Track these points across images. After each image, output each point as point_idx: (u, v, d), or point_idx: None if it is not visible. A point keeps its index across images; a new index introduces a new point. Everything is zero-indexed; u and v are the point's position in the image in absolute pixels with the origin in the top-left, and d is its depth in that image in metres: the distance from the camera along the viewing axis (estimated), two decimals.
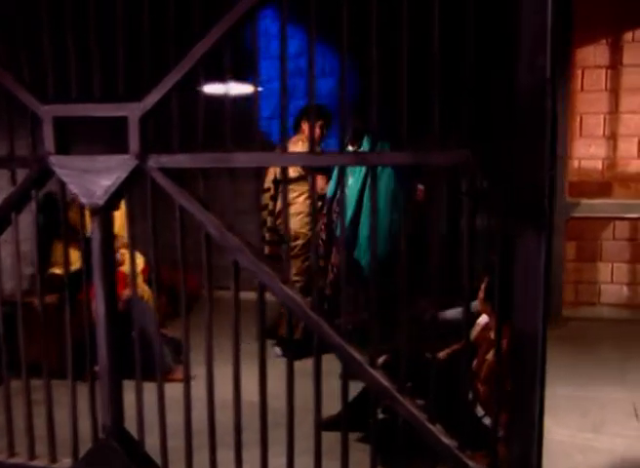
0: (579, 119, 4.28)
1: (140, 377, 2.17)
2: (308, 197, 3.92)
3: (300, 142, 3.73)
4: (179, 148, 2.04)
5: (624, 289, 4.41)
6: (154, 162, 2.06)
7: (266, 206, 3.93)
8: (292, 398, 2.01)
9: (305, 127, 3.83)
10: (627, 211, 4.30)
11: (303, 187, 3.81)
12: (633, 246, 4.36)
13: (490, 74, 1.89)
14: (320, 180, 3.72)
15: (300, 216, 3.85)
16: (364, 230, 3.66)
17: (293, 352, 2.03)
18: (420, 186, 3.76)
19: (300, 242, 3.88)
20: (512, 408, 1.85)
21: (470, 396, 2.67)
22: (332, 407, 2.13)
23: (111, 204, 2.14)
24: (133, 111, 2.05)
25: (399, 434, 1.96)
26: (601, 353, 3.77)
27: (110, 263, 2.19)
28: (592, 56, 4.24)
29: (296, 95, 3.85)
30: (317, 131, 3.82)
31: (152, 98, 2.04)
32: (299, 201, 3.85)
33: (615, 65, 4.23)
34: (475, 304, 2.79)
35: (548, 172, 1.81)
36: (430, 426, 1.93)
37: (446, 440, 1.94)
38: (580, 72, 4.26)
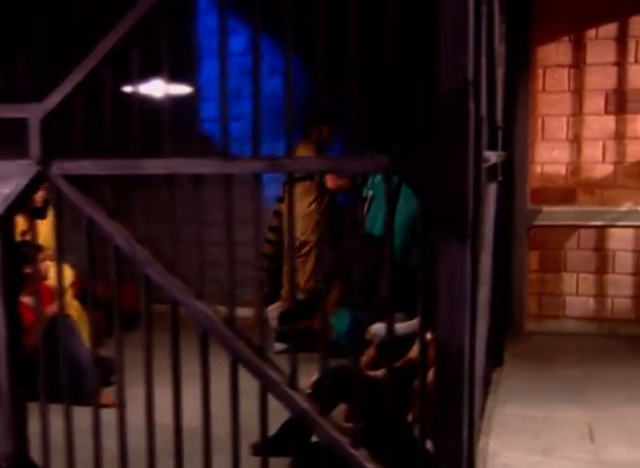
0: (540, 121, 4.36)
1: (44, 400, 2.16)
2: (314, 200, 4.14)
3: (304, 146, 3.93)
4: (83, 153, 2.04)
5: (590, 301, 4.49)
6: (58, 168, 2.06)
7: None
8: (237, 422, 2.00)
9: (314, 131, 4.06)
10: (593, 218, 4.39)
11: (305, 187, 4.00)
12: (599, 256, 4.45)
13: (413, 76, 1.92)
14: (330, 179, 3.95)
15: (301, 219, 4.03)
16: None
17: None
18: None
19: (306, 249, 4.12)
20: (437, 431, 1.88)
21: (410, 417, 2.70)
22: (273, 427, 2.15)
23: (12, 213, 2.14)
24: (33, 112, 2.05)
25: (322, 459, 1.98)
26: (561, 370, 3.84)
27: (11, 277, 2.17)
28: (554, 54, 4.33)
29: (242, 95, 3.89)
30: (325, 134, 4.15)
31: (54, 99, 2.04)
32: (302, 203, 3.99)
33: (578, 64, 4.33)
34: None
35: (474, 179, 1.85)
36: (353, 451, 1.95)
37: (370, 465, 1.96)
38: (541, 72, 4.35)
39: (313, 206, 4.04)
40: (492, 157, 2.57)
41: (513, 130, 4.14)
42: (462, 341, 1.83)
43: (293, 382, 2.00)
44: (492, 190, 2.68)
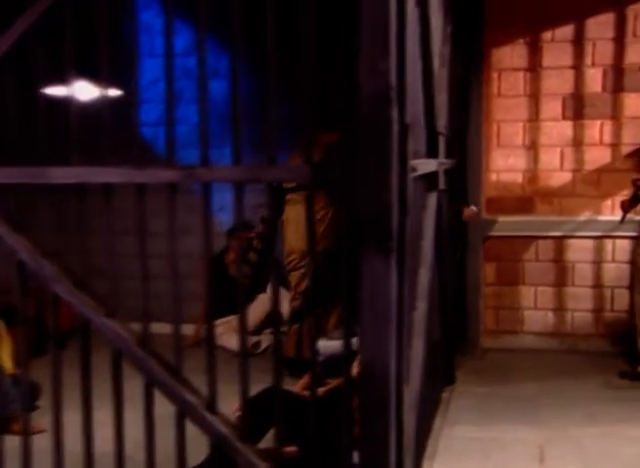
0: (495, 127, 4.43)
1: None
2: (321, 208, 4.15)
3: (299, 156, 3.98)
4: None
5: (550, 315, 4.57)
6: None
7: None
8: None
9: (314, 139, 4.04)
10: (551, 229, 4.47)
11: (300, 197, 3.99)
12: (558, 267, 4.52)
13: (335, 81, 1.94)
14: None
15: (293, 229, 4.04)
16: None
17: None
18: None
19: (294, 256, 4.06)
20: (362, 456, 1.89)
21: (349, 439, 2.70)
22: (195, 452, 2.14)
23: None
24: None
25: None
26: (516, 388, 3.89)
27: None
28: (509, 57, 4.41)
29: (183, 98, 3.87)
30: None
31: None
32: (293, 212, 4.01)
33: (534, 68, 4.41)
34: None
35: (399, 189, 1.87)
36: None
37: None
38: (496, 75, 4.43)
39: (320, 215, 4.06)
40: (429, 165, 2.60)
41: (466, 136, 4.20)
42: (387, 360, 1.85)
43: (211, 405, 1.99)
44: (431, 200, 2.71)
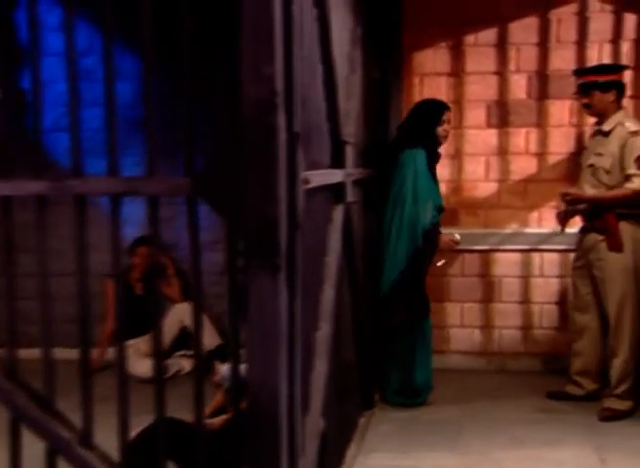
0: None
1: None
2: None
3: None
4: None
5: (476, 333, 4.66)
6: None
7: None
8: None
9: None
10: (477, 242, 4.57)
11: None
12: (485, 283, 4.63)
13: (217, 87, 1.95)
14: None
15: None
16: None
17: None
18: None
19: None
20: None
21: None
22: None
23: None
24: None
25: None
26: (440, 411, 3.96)
27: None
28: (431, 61, 4.52)
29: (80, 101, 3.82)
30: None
31: None
32: None
33: (457, 73, 4.53)
34: None
35: (288, 202, 1.88)
36: None
37: None
38: (417, 80, 4.52)
39: None
40: (333, 176, 2.63)
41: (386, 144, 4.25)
42: (277, 386, 1.85)
43: (86, 439, 1.96)
44: (337, 214, 2.74)
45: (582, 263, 3.98)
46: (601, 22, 4.41)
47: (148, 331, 4.02)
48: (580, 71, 4.00)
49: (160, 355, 1.99)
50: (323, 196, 2.54)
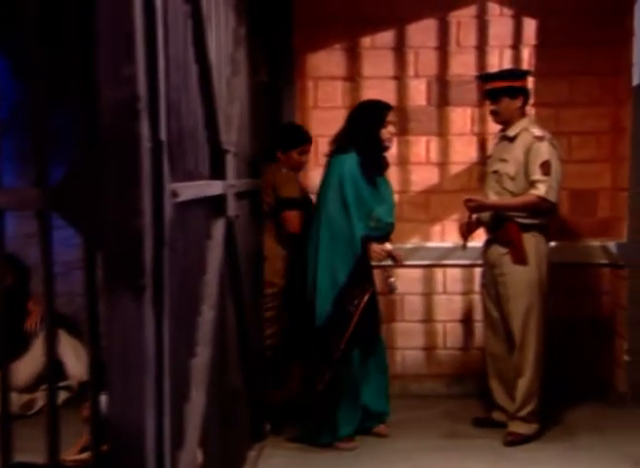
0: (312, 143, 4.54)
1: None
2: (276, 239, 4.12)
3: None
4: None
5: None
6: None
7: None
8: None
9: (283, 156, 4.13)
10: None
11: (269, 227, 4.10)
12: (386, 301, 4.66)
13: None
14: (293, 218, 4.03)
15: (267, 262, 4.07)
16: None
17: None
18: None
19: (269, 291, 4.08)
20: None
21: None
22: None
23: None
24: None
25: None
26: (337, 440, 3.96)
27: None
28: (325, 64, 4.57)
29: None
30: (300, 157, 4.19)
31: None
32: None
33: (353, 77, 4.60)
34: None
35: (153, 217, 1.86)
36: None
37: None
38: (311, 84, 4.57)
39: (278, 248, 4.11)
40: (211, 187, 2.61)
41: None
42: (142, 417, 1.81)
43: None
44: (217, 228, 2.72)
45: (488, 280, 4.08)
46: (501, 27, 4.59)
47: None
48: (487, 77, 4.09)
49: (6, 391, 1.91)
50: (200, 210, 2.51)
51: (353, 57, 4.60)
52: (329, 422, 3.85)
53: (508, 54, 4.60)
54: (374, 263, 3.96)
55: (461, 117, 4.66)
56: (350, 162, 3.84)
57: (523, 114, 3.97)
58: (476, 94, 4.59)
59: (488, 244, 4.07)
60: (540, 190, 3.80)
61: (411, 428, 4.15)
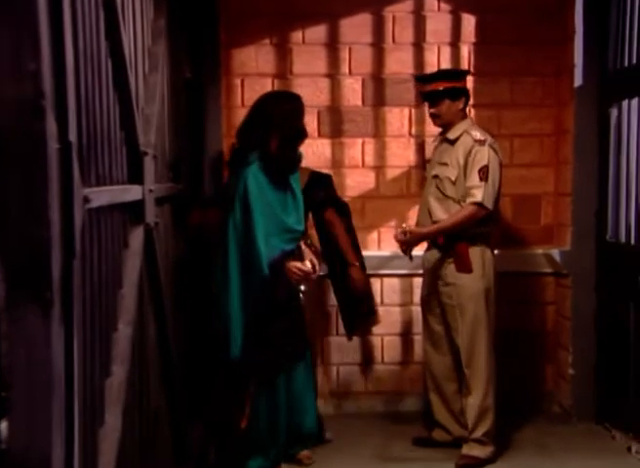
0: None
1: None
2: None
3: None
4: None
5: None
6: None
7: None
8: None
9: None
10: None
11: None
12: (321, 314, 4.69)
13: None
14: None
15: None
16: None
17: None
18: None
19: None
20: None
21: None
22: None
23: None
24: None
25: None
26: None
27: None
28: (253, 60, 4.57)
29: None
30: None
31: None
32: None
33: (283, 74, 4.60)
34: None
35: (62, 224, 1.82)
36: None
37: None
38: (239, 81, 4.56)
39: None
40: (129, 193, 2.58)
41: (203, 155, 4.24)
42: (48, 446, 1.77)
43: None
44: (136, 237, 2.69)
45: (429, 290, 4.08)
46: (439, 23, 4.66)
47: None
48: (426, 78, 4.07)
49: None
50: (116, 217, 2.48)
51: (283, 52, 4.61)
52: (252, 452, 3.81)
53: (447, 51, 4.67)
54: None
55: (398, 118, 4.70)
56: (252, 175, 3.66)
57: (464, 116, 4.02)
58: (414, 93, 4.64)
59: (428, 251, 4.09)
60: (477, 197, 3.80)
61: (344, 450, 4.14)
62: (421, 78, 4.16)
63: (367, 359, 4.78)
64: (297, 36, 4.61)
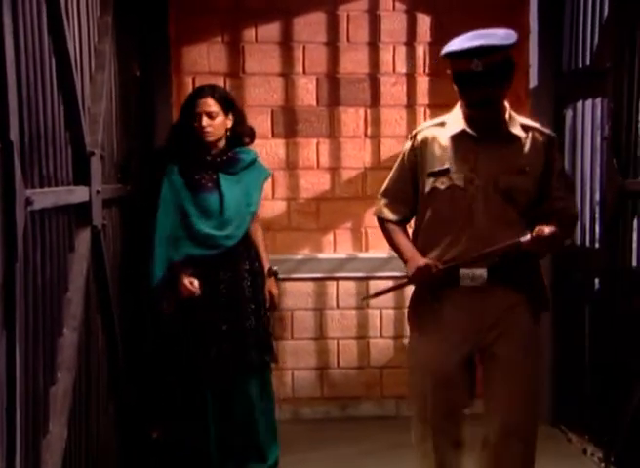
0: None
1: None
2: None
3: None
4: None
5: None
6: None
7: None
8: None
9: None
10: None
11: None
12: (273, 318, 4.66)
13: None
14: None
15: None
16: None
17: None
18: None
19: None
20: None
21: None
22: None
23: None
24: None
25: None
26: None
27: None
28: (205, 58, 4.54)
29: None
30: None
31: None
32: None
33: (236, 73, 4.58)
34: None
35: (4, 227, 1.79)
36: None
37: None
38: (189, 80, 4.52)
39: None
40: (74, 194, 2.55)
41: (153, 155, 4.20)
42: None
43: None
44: (82, 240, 2.66)
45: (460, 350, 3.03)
46: (394, 22, 4.67)
47: None
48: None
49: None
50: (60, 219, 2.45)
51: (236, 51, 4.58)
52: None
53: (402, 51, 4.67)
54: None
55: (354, 118, 4.70)
56: (166, 182, 3.62)
57: None
58: (369, 93, 4.66)
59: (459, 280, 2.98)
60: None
61: (299, 457, 4.11)
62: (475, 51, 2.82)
63: (323, 363, 4.77)
64: (249, 34, 4.58)
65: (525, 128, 3.00)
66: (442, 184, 2.96)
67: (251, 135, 3.89)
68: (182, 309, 3.63)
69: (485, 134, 2.95)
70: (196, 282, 3.61)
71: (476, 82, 2.84)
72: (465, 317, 2.96)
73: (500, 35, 2.89)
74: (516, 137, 2.97)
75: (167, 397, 3.76)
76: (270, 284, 3.91)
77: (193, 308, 3.62)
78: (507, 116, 2.98)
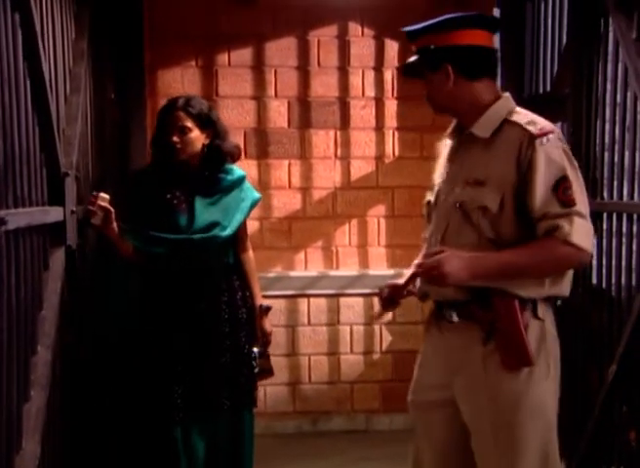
0: None
1: None
2: None
3: None
4: None
5: None
6: None
7: None
8: None
9: None
10: None
11: None
12: None
13: None
14: None
15: None
16: None
17: None
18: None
19: None
20: None
21: None
22: None
23: None
24: None
25: None
26: None
27: None
28: (179, 82, 4.54)
29: None
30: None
31: None
32: None
33: (209, 96, 4.57)
34: None
35: None
36: None
37: None
38: (164, 103, 4.49)
39: None
40: (48, 214, 2.53)
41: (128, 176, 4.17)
42: None
43: None
44: (56, 259, 2.63)
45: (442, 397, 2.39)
46: (363, 48, 4.70)
47: None
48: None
49: None
50: (35, 239, 2.42)
51: (209, 74, 4.59)
52: None
53: (371, 75, 4.71)
54: None
55: (324, 140, 4.71)
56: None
57: None
58: (339, 116, 4.68)
59: (436, 320, 2.47)
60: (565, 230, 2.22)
61: None
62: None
63: (294, 379, 4.75)
64: (222, 58, 4.59)
65: (501, 126, 2.31)
66: (424, 199, 2.55)
67: (233, 153, 3.38)
68: (153, 337, 3.24)
69: (458, 139, 2.43)
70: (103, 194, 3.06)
71: (411, 72, 2.45)
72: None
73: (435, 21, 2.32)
74: (479, 140, 2.32)
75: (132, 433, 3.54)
76: (262, 321, 3.56)
77: (165, 340, 3.21)
78: (491, 114, 2.34)
